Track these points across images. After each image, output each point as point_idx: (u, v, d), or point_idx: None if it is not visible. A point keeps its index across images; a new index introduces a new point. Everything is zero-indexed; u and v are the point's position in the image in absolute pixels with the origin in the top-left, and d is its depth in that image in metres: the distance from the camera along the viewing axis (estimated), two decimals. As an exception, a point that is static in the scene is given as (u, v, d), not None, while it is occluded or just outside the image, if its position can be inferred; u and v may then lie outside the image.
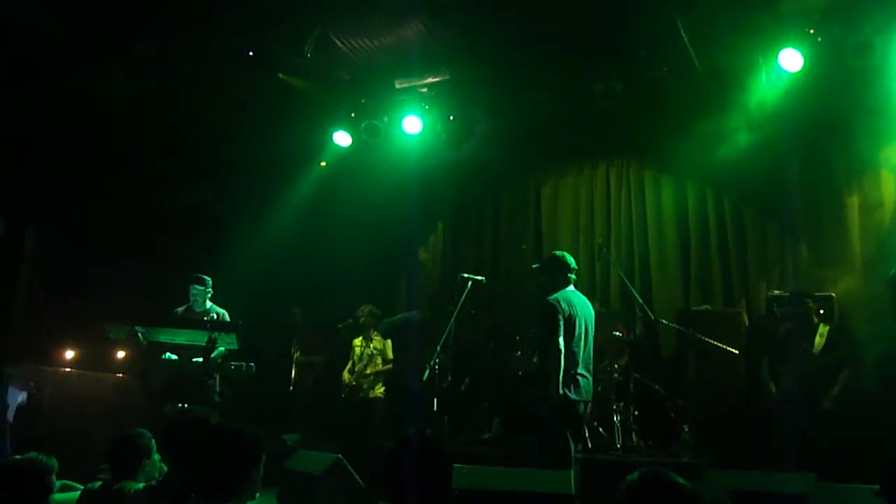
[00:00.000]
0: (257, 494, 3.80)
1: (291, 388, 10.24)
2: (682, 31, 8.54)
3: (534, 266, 7.59)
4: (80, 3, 8.64)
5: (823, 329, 7.89)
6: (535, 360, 8.81)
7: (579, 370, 6.83)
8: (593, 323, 7.11)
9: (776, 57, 8.58)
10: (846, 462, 6.45)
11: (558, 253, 7.32)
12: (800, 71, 8.56)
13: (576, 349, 6.82)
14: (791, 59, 8.50)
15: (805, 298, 8.14)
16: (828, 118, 9.15)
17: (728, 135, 9.36)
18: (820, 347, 7.80)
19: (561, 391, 6.66)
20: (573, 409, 6.81)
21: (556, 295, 6.96)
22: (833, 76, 8.55)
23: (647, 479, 2.73)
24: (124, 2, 8.51)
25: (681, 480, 2.69)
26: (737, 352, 8.56)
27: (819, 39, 8.38)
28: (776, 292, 9.18)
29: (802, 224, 9.68)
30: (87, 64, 9.49)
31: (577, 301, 7.02)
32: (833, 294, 8.70)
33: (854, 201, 9.37)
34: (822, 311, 8.23)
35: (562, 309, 6.84)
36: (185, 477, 4.11)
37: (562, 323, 6.78)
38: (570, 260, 7.19)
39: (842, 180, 9.50)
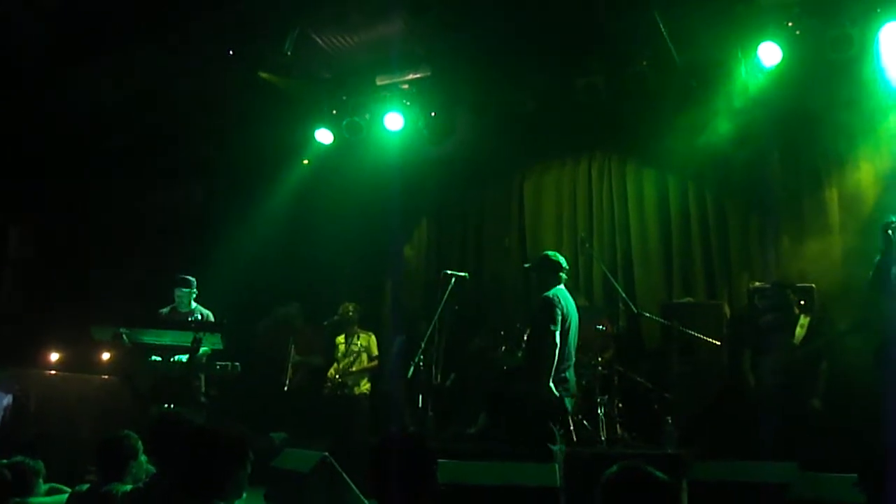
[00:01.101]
0: (244, 493, 3.83)
1: (286, 387, 10.18)
2: (661, 26, 8.59)
3: (526, 265, 7.72)
4: (63, 6, 8.63)
5: (804, 320, 7.96)
6: (519, 354, 8.85)
7: (568, 366, 6.95)
8: (577, 320, 7.20)
9: (755, 50, 8.64)
10: (830, 452, 6.55)
11: (550, 253, 7.43)
12: (779, 64, 8.62)
13: (565, 347, 6.92)
14: (770, 53, 8.56)
15: (785, 290, 8.20)
16: (807, 110, 9.20)
17: (709, 128, 9.39)
18: (800, 338, 7.86)
19: (552, 386, 6.75)
20: (562, 404, 6.88)
21: (553, 291, 7.06)
22: (812, 69, 8.61)
23: (625, 473, 2.77)
24: (107, 4, 8.51)
25: (659, 474, 2.74)
26: (718, 343, 8.63)
27: (798, 32, 8.44)
28: (757, 284, 9.22)
29: (783, 215, 9.73)
30: (72, 66, 9.47)
31: (568, 299, 7.13)
32: (814, 285, 8.75)
33: (834, 192, 9.41)
34: (802, 302, 8.29)
35: (557, 305, 6.94)
36: (172, 478, 4.12)
37: (559, 318, 6.89)
38: (562, 260, 7.29)
39: (822, 171, 9.54)
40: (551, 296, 7.00)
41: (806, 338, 7.86)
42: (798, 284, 8.63)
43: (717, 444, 7.80)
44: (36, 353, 10.41)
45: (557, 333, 6.83)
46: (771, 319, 8.16)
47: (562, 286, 7.18)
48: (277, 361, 10.33)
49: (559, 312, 6.90)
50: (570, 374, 6.98)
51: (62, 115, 10.14)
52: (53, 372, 9.57)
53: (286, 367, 10.26)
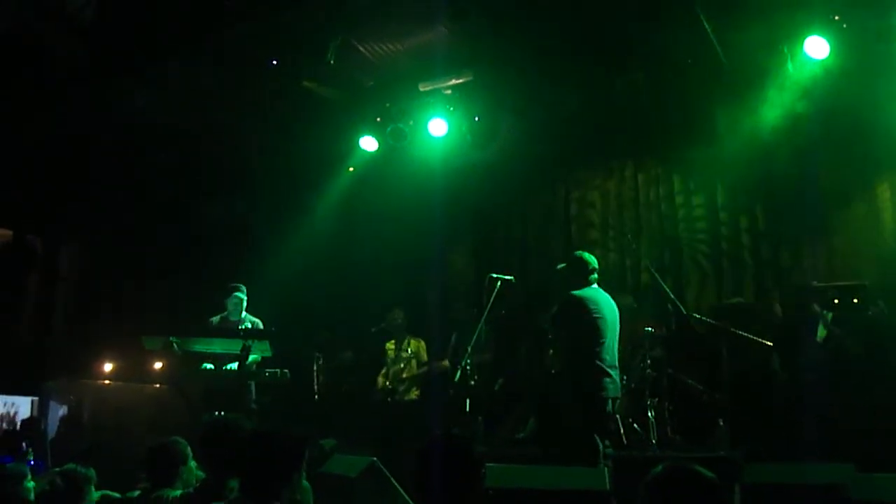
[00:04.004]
0: (298, 496, 3.88)
1: (316, 396, 10.19)
2: (704, 22, 8.50)
3: (559, 266, 7.61)
4: (107, 20, 8.77)
5: (827, 315, 7.91)
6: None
7: (604, 368, 6.85)
8: (618, 321, 7.13)
9: (801, 45, 8.50)
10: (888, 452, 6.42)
11: (578, 253, 7.41)
12: (826, 59, 8.48)
13: (598, 347, 6.85)
14: (817, 47, 8.42)
15: (803, 289, 8.19)
16: (855, 106, 9.03)
17: (756, 126, 9.30)
18: (823, 336, 7.86)
19: (585, 387, 6.73)
20: (599, 406, 6.82)
21: (576, 292, 7.00)
22: (859, 63, 8.46)
23: (670, 471, 2.73)
24: (149, 16, 8.63)
25: (706, 472, 2.69)
26: (770, 344, 8.51)
27: (844, 26, 8.29)
28: (815, 283, 9.08)
29: (834, 213, 9.58)
30: (116, 81, 9.61)
31: (599, 299, 7.06)
32: (866, 283, 8.58)
33: (885, 188, 9.28)
34: (836, 301, 8.17)
35: (580, 306, 6.91)
36: (222, 482, 4.17)
37: (578, 319, 6.87)
38: (592, 260, 7.25)
39: (871, 167, 9.40)
40: (570, 296, 6.99)
41: (829, 334, 7.90)
42: (851, 283, 8.51)
43: (769, 446, 7.68)
44: (89, 365, 10.56)
45: (574, 333, 6.89)
46: (798, 318, 8.18)
47: (594, 286, 7.13)
48: (305, 371, 10.32)
49: (576, 314, 6.91)
50: (607, 378, 6.87)
51: (106, 132, 10.29)
52: (106, 382, 9.69)
53: (313, 375, 10.26)
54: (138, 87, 9.67)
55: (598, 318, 6.92)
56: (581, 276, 7.14)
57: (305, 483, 4.06)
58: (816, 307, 8.00)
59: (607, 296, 7.18)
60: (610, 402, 6.94)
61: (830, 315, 7.92)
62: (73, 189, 11.03)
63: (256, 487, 3.61)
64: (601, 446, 6.74)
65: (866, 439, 6.88)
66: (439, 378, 9.94)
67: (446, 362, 9.97)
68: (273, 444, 3.72)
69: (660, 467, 2.75)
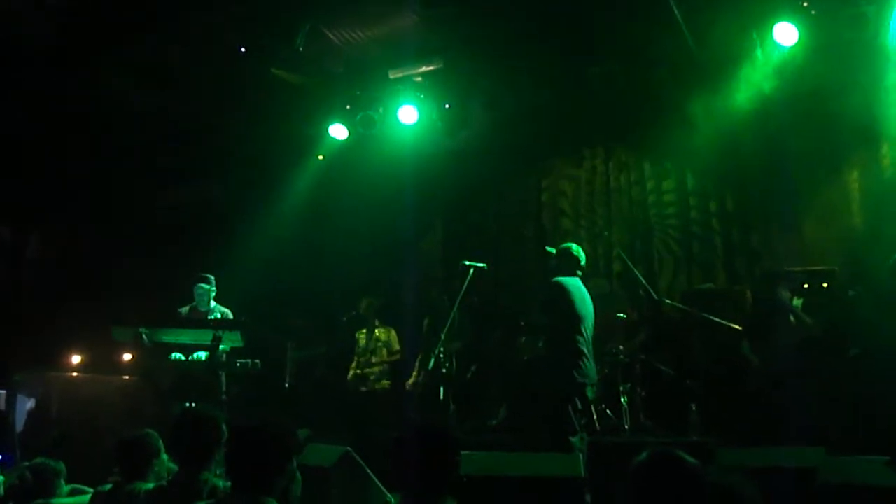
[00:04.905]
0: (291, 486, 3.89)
1: (287, 385, 10.15)
2: (675, 7, 8.50)
3: (549, 249, 7.65)
4: (72, 6, 8.63)
5: (797, 302, 7.99)
6: (540, 345, 8.80)
7: (584, 354, 6.92)
8: (593, 313, 7.21)
9: (771, 31, 8.53)
10: (857, 435, 6.49)
11: (573, 247, 7.45)
12: (795, 46, 8.51)
13: (580, 335, 6.94)
14: (786, 33, 8.45)
15: (771, 276, 8.26)
16: (825, 92, 9.08)
17: (726, 114, 9.34)
18: (795, 322, 7.94)
19: (567, 373, 6.76)
20: (580, 391, 6.86)
21: (562, 279, 7.12)
22: (828, 49, 8.50)
23: (655, 458, 2.73)
24: (117, 2, 8.51)
25: (689, 459, 2.70)
26: (740, 328, 8.57)
27: (813, 12, 8.32)
28: (784, 269, 9.15)
29: (804, 199, 9.65)
30: (85, 65, 9.48)
31: (583, 289, 7.20)
32: (836, 268, 8.66)
33: (854, 174, 9.36)
34: (806, 286, 8.26)
35: (566, 292, 7.01)
36: (194, 475, 4.13)
37: (564, 305, 6.97)
38: (582, 256, 7.36)
39: (842, 154, 9.47)
40: (559, 280, 7.11)
41: (798, 319, 7.97)
42: (815, 268, 8.60)
43: (741, 431, 7.74)
44: (57, 356, 10.44)
45: (565, 316, 6.93)
46: (768, 304, 8.21)
47: (576, 278, 7.22)
48: (276, 361, 10.29)
49: (565, 297, 6.98)
50: (588, 363, 6.97)
51: (75, 116, 10.15)
52: (75, 374, 9.58)
53: (284, 364, 10.22)
54: (108, 70, 9.54)
55: (580, 306, 7.05)
56: (569, 268, 7.28)
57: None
58: (786, 294, 8.07)
59: (586, 290, 7.27)
60: (590, 387, 7.00)
61: (800, 301, 7.99)
62: (41, 176, 10.87)
63: (248, 482, 3.56)
64: (579, 431, 6.78)
65: (836, 423, 6.96)
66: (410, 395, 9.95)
67: (412, 380, 9.91)
68: (263, 437, 3.68)
69: (644, 454, 2.75)
